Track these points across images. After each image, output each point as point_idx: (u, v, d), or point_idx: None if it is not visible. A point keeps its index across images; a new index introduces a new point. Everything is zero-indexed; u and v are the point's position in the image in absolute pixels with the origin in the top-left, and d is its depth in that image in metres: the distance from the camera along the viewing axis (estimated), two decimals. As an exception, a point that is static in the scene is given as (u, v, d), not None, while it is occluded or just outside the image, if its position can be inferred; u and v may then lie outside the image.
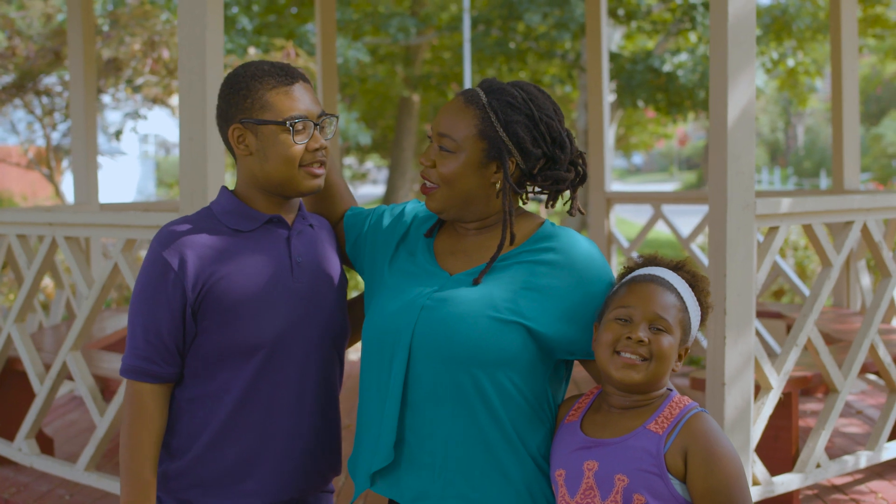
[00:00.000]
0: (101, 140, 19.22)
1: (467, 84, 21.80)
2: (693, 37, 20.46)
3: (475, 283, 2.71)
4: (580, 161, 2.83)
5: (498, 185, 2.76)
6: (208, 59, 4.54)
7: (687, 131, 55.03)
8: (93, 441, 5.18)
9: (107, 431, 5.12)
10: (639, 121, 29.86)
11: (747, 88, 4.54)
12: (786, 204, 4.77)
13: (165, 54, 12.09)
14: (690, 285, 2.74)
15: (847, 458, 5.22)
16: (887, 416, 5.38)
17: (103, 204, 7.93)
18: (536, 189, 2.83)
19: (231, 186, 3.00)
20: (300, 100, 2.81)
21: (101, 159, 15.24)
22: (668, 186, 47.48)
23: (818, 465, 5.04)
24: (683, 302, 2.68)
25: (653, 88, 19.46)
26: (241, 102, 2.80)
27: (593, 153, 9.19)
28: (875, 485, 5.50)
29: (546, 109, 2.77)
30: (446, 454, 2.66)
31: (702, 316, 2.77)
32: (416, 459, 2.68)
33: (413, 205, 3.03)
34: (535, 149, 2.74)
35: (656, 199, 9.31)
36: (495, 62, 21.18)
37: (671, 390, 2.70)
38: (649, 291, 2.66)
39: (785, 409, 5.22)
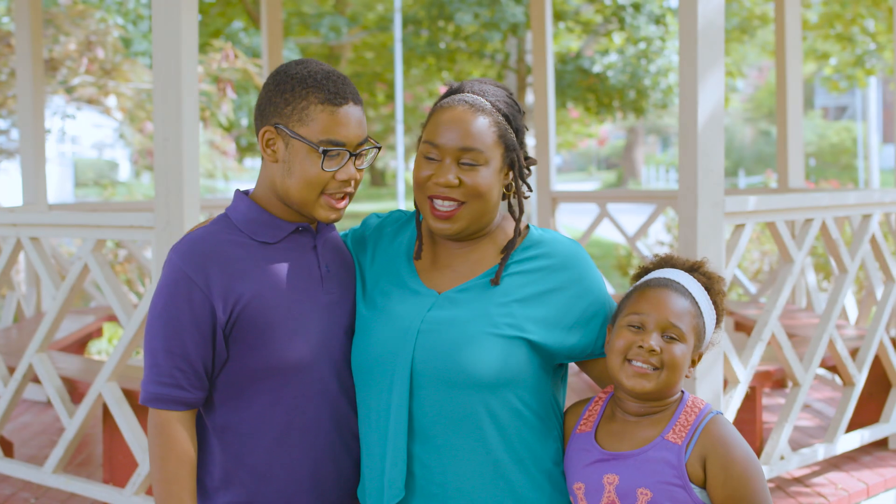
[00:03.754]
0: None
1: (398, 84, 21.78)
2: (617, 38, 20.62)
3: (493, 283, 2.64)
4: None
5: (505, 188, 2.74)
6: (183, 59, 4.52)
7: (605, 131, 55.41)
8: (61, 443, 5.11)
9: (75, 434, 5.07)
10: (563, 120, 30.04)
11: (716, 88, 4.62)
12: (752, 202, 4.87)
13: (101, 54, 11.94)
14: (706, 288, 2.70)
15: (807, 450, 5.33)
16: (844, 408, 5.49)
17: (51, 204, 7.85)
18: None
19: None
20: (344, 124, 2.58)
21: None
22: (589, 185, 47.91)
23: (782, 458, 5.14)
24: (698, 307, 2.65)
25: (582, 89, 19.60)
26: (283, 105, 2.59)
27: (539, 154, 9.24)
28: (833, 476, 5.61)
29: (517, 102, 2.77)
30: (457, 483, 2.59)
31: (717, 318, 2.73)
32: (425, 490, 2.61)
33: (373, 219, 2.93)
34: (524, 141, 2.75)
35: (602, 199, 9.40)
36: (424, 62, 21.20)
37: (683, 392, 2.69)
38: (663, 297, 2.62)
39: (749, 402, 5.34)
